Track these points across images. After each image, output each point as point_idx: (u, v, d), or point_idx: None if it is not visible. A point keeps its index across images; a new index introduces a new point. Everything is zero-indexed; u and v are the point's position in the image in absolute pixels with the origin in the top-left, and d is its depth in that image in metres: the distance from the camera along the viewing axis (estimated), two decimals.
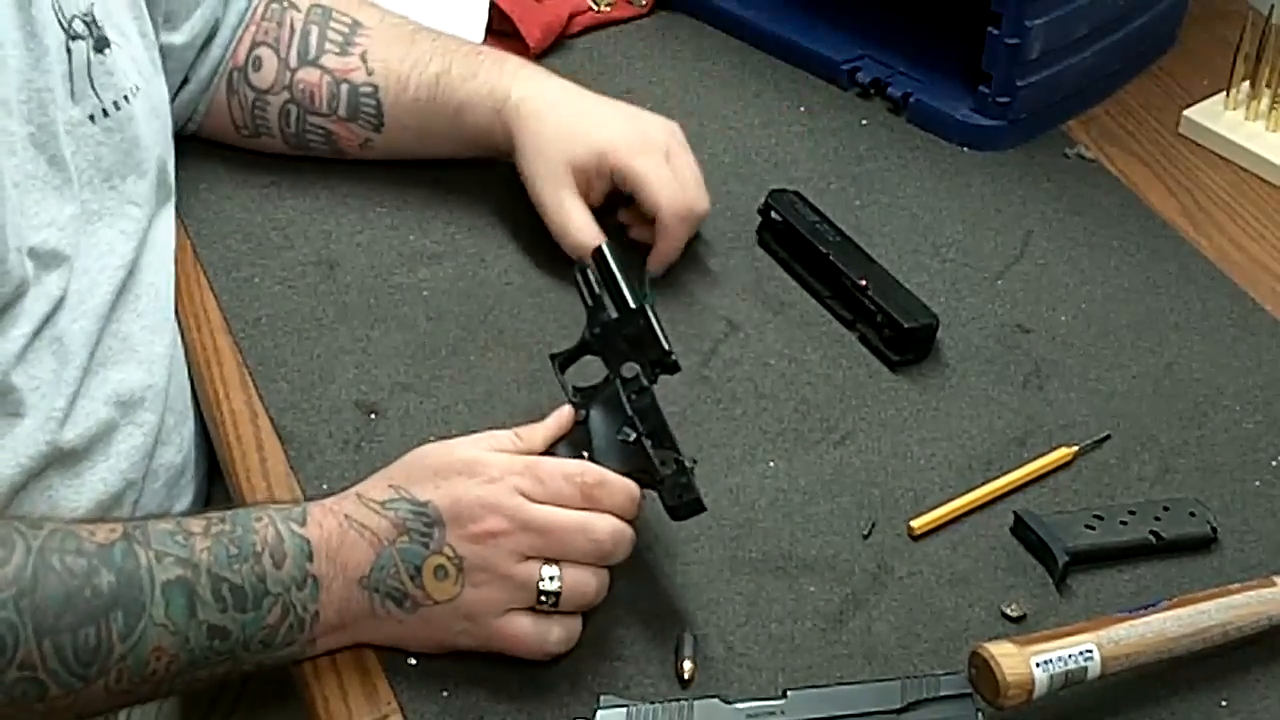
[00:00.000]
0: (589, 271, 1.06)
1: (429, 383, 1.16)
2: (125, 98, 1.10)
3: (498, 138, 1.24)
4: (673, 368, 1.01)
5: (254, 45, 1.27)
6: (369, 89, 1.26)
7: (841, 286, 1.22)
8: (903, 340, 1.19)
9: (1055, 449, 1.12)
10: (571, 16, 1.52)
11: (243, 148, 1.31)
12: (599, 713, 0.92)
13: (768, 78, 1.48)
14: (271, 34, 1.27)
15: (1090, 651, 0.91)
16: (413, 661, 0.96)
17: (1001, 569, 1.04)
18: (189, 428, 1.17)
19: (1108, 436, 1.14)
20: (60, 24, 1.04)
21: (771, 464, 1.11)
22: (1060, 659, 0.90)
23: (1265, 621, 0.98)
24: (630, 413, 0.99)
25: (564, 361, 1.06)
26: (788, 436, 1.13)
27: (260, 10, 1.28)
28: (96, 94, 1.07)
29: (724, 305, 1.23)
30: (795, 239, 1.25)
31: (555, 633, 0.94)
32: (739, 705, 0.92)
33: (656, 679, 0.96)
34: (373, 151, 1.30)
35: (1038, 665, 0.89)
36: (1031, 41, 1.37)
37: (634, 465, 0.98)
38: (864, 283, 1.21)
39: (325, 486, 1.07)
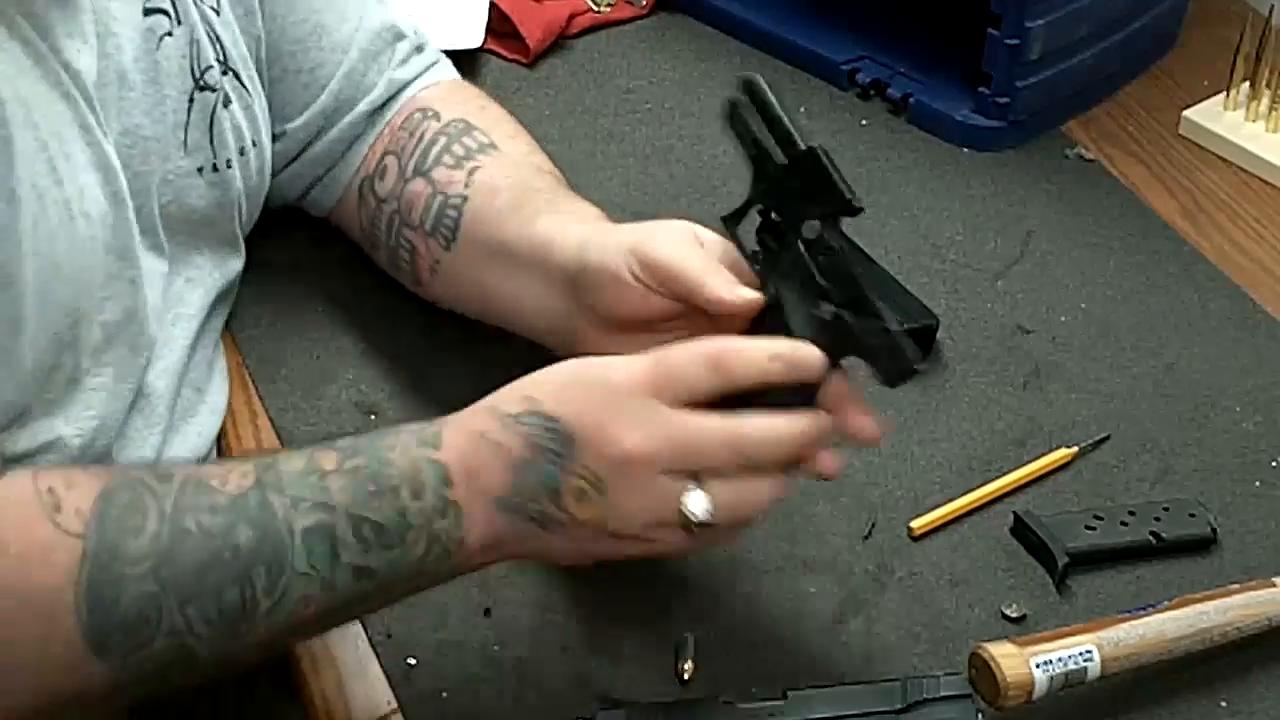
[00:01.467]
0: (741, 111, 0.94)
1: (430, 383, 1.16)
2: (241, 151, 1.08)
3: (573, 253, 1.04)
4: (857, 211, 0.89)
5: (384, 154, 1.18)
6: (457, 202, 1.12)
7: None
8: None
9: (1055, 450, 1.12)
10: (571, 17, 1.53)
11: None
12: (600, 713, 0.91)
13: (768, 78, 1.46)
14: (400, 142, 1.17)
15: (1090, 652, 0.91)
16: (412, 661, 0.96)
17: (1001, 570, 1.04)
18: None
19: (1108, 437, 1.14)
20: (192, 74, 1.03)
21: None
22: (1060, 660, 0.90)
23: (1265, 622, 0.98)
24: (821, 281, 0.89)
25: (732, 220, 0.95)
26: None
27: (401, 120, 1.19)
28: (213, 149, 1.05)
29: None
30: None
31: (710, 542, 0.92)
32: (740, 705, 0.92)
33: (656, 679, 0.96)
34: (437, 280, 1.15)
35: (1037, 666, 0.89)
36: (1031, 42, 1.38)
37: (839, 344, 0.88)
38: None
39: None
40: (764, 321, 0.91)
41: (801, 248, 0.89)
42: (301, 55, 1.14)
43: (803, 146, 0.90)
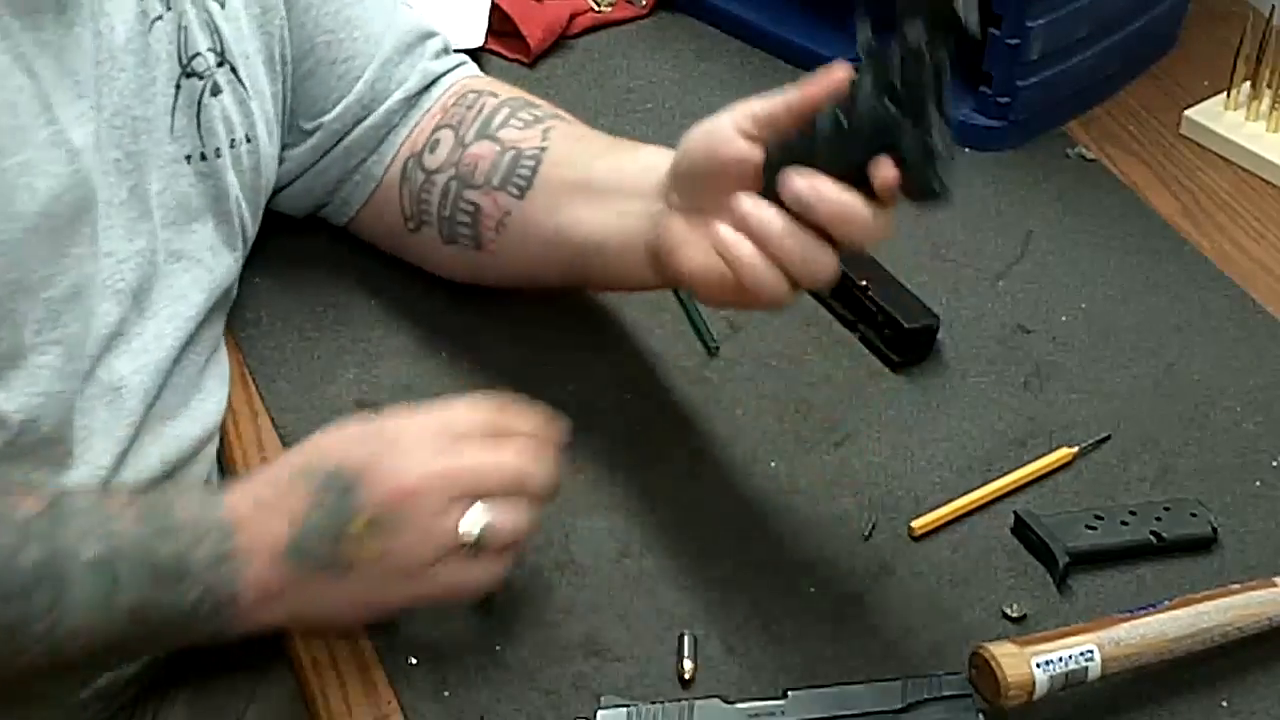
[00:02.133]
0: None
1: (431, 381, 1.16)
2: (232, 144, 1.08)
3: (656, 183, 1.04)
4: (956, 26, 0.87)
5: (435, 129, 1.17)
6: (534, 152, 1.12)
7: (842, 287, 1.22)
8: (903, 341, 1.19)
9: (1056, 449, 1.12)
10: (572, 17, 1.53)
11: (399, 255, 1.23)
12: (600, 713, 0.92)
13: (768, 78, 1.48)
14: (457, 116, 1.17)
15: (1091, 652, 0.91)
16: (413, 661, 0.97)
17: (1002, 569, 1.05)
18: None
19: (1108, 437, 1.14)
20: (178, 59, 1.03)
21: (773, 464, 1.11)
22: (1061, 660, 0.91)
23: (1266, 622, 0.99)
24: (896, 83, 0.89)
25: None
26: (789, 437, 1.14)
27: (453, 99, 1.19)
28: (200, 136, 1.05)
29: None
30: None
31: (486, 574, 0.93)
32: (740, 705, 0.92)
33: (657, 679, 0.96)
34: (505, 234, 1.13)
35: (1038, 666, 0.90)
36: (1032, 42, 1.38)
37: (884, 140, 0.89)
38: (864, 283, 1.21)
39: None
40: (843, 105, 0.91)
41: (894, 51, 0.90)
42: (335, 46, 1.15)
43: None
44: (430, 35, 1.21)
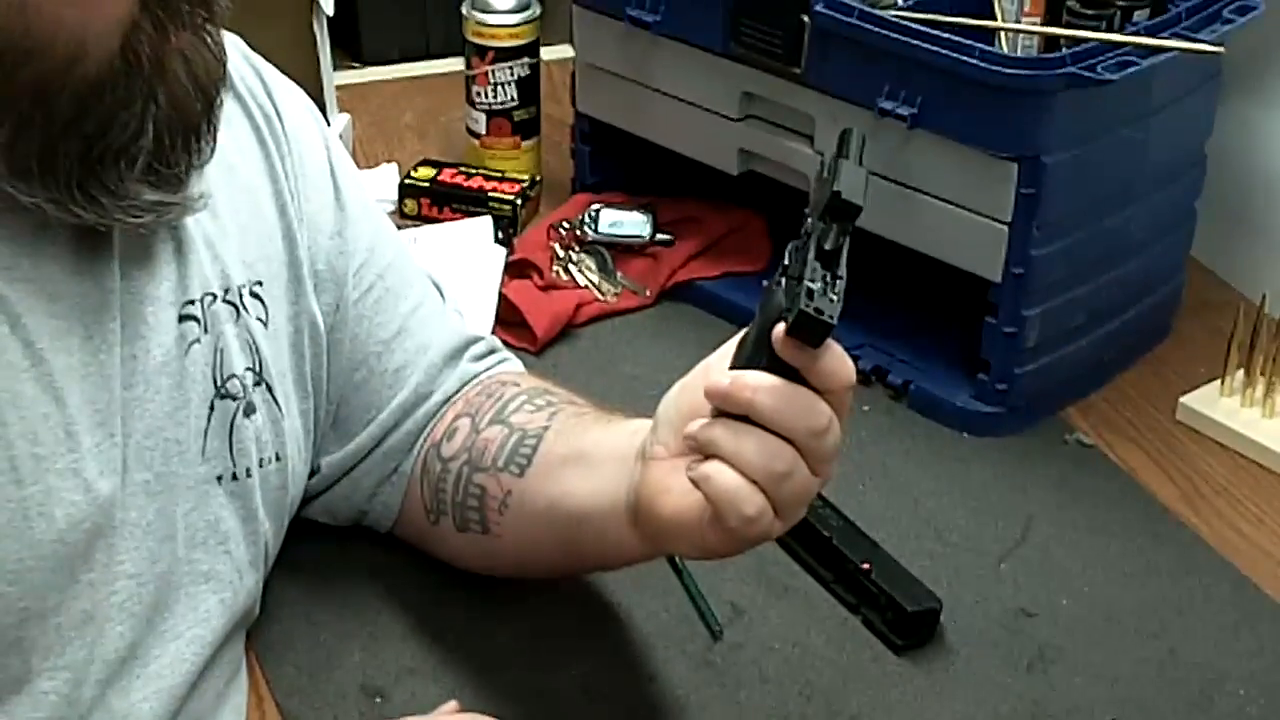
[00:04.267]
0: (843, 149, 0.94)
1: (435, 665, 1.16)
2: (261, 463, 1.07)
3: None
4: (841, 209, 0.90)
5: (455, 418, 1.18)
6: (538, 431, 1.13)
7: (845, 570, 1.24)
8: (906, 624, 1.20)
9: None
10: (578, 306, 1.56)
11: (425, 550, 1.23)
12: None
13: None
14: (476, 405, 1.18)
15: None
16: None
17: None
18: None
19: None
20: (213, 381, 1.04)
21: None
22: None
23: None
24: (785, 262, 0.93)
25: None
26: (793, 718, 1.14)
27: (476, 390, 1.20)
28: (232, 457, 1.05)
29: (727, 589, 1.24)
30: (798, 523, 1.27)
31: None
32: None
33: None
34: (507, 515, 1.13)
35: None
36: (1029, 330, 1.41)
37: (771, 305, 0.92)
38: (867, 566, 1.22)
39: None
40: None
41: (795, 244, 0.93)
42: (387, 356, 1.17)
43: (841, 195, 0.91)
44: (476, 340, 1.23)
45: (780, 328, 0.90)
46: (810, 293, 0.88)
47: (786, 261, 0.93)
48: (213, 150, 0.97)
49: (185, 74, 0.91)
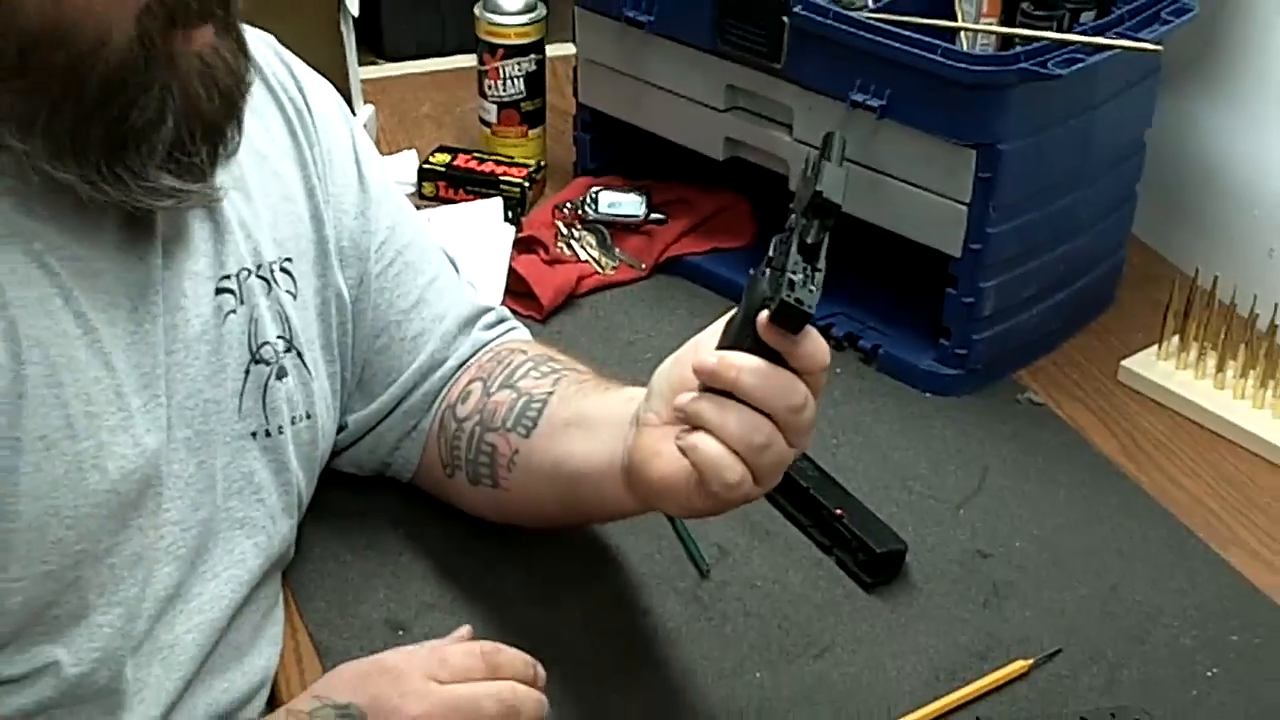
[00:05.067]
0: (826, 152, 0.94)
1: (451, 602, 1.17)
2: (293, 420, 1.08)
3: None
4: (822, 207, 0.91)
5: (469, 382, 1.19)
6: (543, 396, 1.14)
7: (820, 516, 1.24)
8: (875, 564, 1.21)
9: (1012, 662, 1.13)
10: (580, 278, 1.56)
11: (443, 500, 1.24)
12: None
13: None
14: (488, 370, 1.19)
15: None
16: None
17: None
18: None
19: (1059, 651, 1.15)
20: (248, 347, 1.05)
21: (758, 675, 1.12)
22: None
23: None
24: (769, 254, 0.93)
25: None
26: (772, 651, 1.14)
27: (489, 356, 1.21)
28: (265, 415, 1.06)
29: (714, 533, 1.24)
30: None
31: None
32: None
33: None
34: (515, 472, 1.14)
35: None
36: (985, 301, 1.41)
37: (756, 296, 0.92)
38: (840, 513, 1.23)
39: None
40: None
41: (778, 238, 0.93)
42: (406, 324, 1.17)
43: (821, 193, 0.92)
44: (486, 310, 1.24)
45: (764, 314, 0.90)
46: (791, 284, 0.89)
47: (771, 253, 0.93)
48: (237, 145, 0.97)
49: (201, 74, 0.91)
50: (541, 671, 0.99)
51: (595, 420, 1.08)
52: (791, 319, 0.90)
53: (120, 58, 0.88)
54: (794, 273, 0.90)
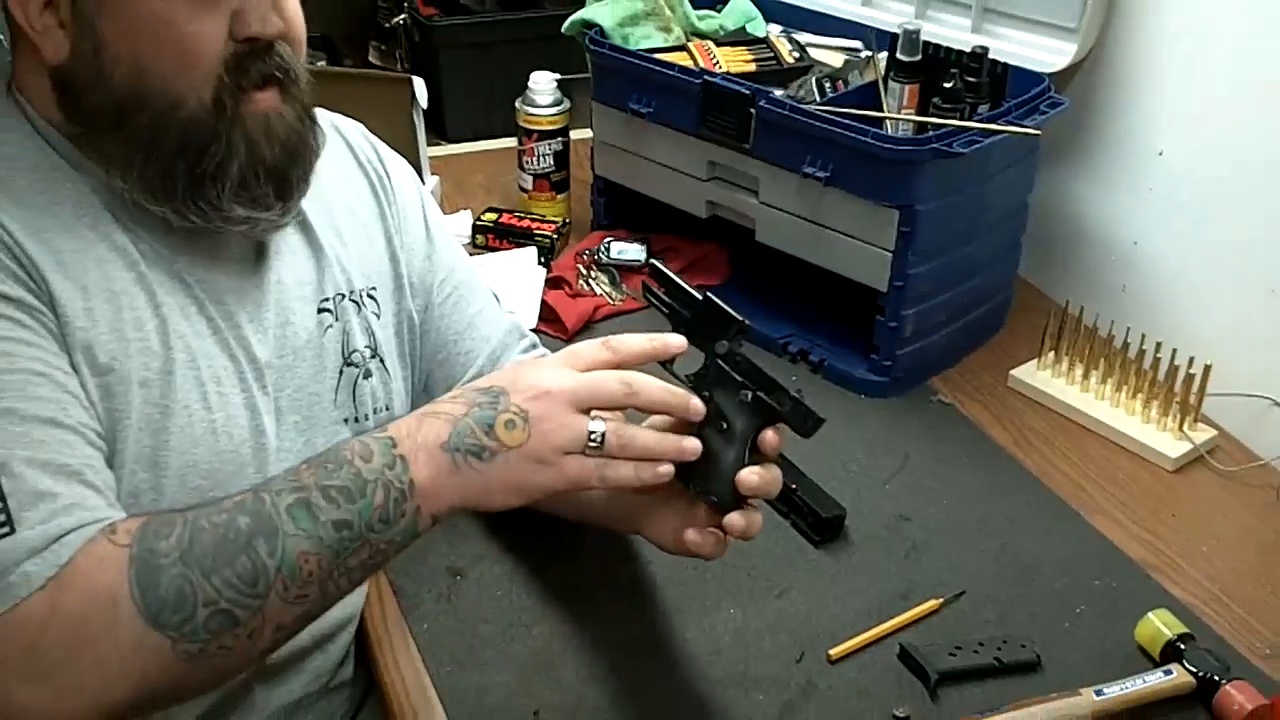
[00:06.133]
0: (653, 289, 0.94)
1: (498, 554, 1.16)
2: (375, 411, 1.06)
3: None
4: (747, 329, 0.91)
5: None
6: None
7: (780, 490, 1.24)
8: (822, 526, 1.20)
9: (927, 601, 1.13)
10: (596, 308, 1.55)
11: None
12: None
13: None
14: None
15: None
16: None
17: (892, 684, 1.05)
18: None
19: (963, 593, 1.14)
20: (342, 354, 1.04)
21: (732, 610, 1.12)
22: None
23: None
24: (738, 378, 0.89)
25: (668, 362, 0.93)
26: (744, 591, 1.14)
27: None
28: (355, 406, 1.05)
29: None
30: None
31: (610, 468, 0.87)
32: None
33: None
34: None
35: None
36: (905, 325, 1.41)
37: (762, 413, 0.89)
38: (795, 487, 1.22)
39: (426, 627, 1.08)
40: (707, 418, 0.90)
41: (719, 362, 0.91)
42: (460, 342, 1.14)
43: (699, 298, 0.91)
44: (524, 334, 1.20)
45: (770, 435, 0.89)
46: (803, 405, 0.88)
47: (712, 376, 0.91)
48: (304, 187, 0.97)
49: (263, 129, 0.92)
50: (673, 342, 0.91)
51: None
52: (813, 425, 0.89)
53: (191, 116, 0.89)
54: (790, 403, 0.88)
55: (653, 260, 0.94)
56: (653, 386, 0.88)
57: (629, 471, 0.87)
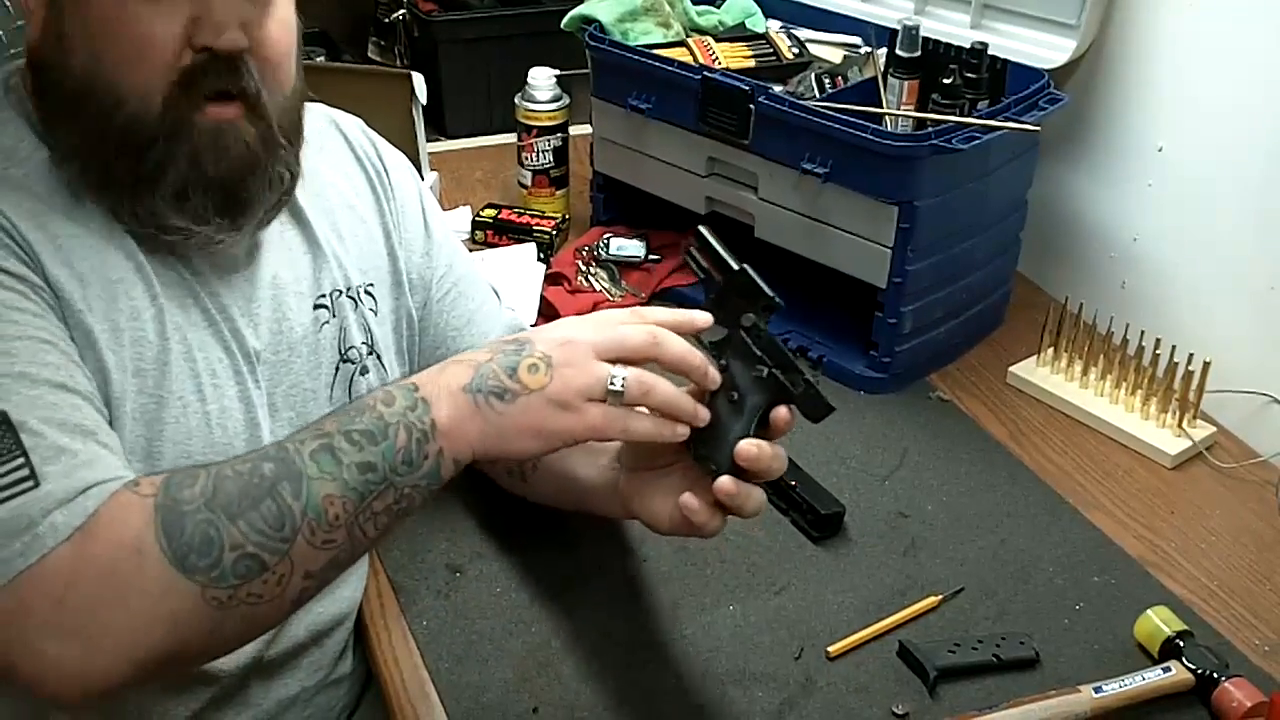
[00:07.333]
0: (694, 251, 0.93)
1: (497, 551, 1.16)
2: None
3: None
4: (778, 307, 0.90)
5: None
6: None
7: (779, 486, 1.23)
8: (821, 522, 1.20)
9: (926, 597, 1.13)
10: (595, 305, 1.55)
11: (490, 477, 1.19)
12: None
13: None
14: None
15: None
16: None
17: (891, 681, 1.04)
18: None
19: (962, 589, 1.14)
20: (338, 350, 1.04)
21: (731, 607, 1.11)
22: None
23: (1072, 717, 0.99)
24: (758, 353, 0.89)
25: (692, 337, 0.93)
26: (743, 588, 1.14)
27: None
28: (350, 403, 1.03)
29: None
30: None
31: (632, 420, 0.87)
32: None
33: None
34: (536, 476, 1.12)
35: None
36: (905, 322, 1.40)
37: (774, 391, 0.89)
38: (794, 483, 1.22)
39: (424, 623, 1.07)
40: (720, 387, 0.90)
41: (742, 334, 0.90)
42: (459, 338, 1.15)
43: (735, 267, 0.91)
44: (521, 329, 1.19)
45: (782, 412, 0.89)
46: (817, 382, 0.88)
47: (734, 345, 0.90)
48: (257, 209, 0.94)
49: (211, 141, 0.90)
50: (699, 318, 0.91)
51: (597, 446, 1.03)
52: (822, 412, 0.89)
53: (133, 116, 0.88)
54: (804, 386, 0.88)
55: (702, 226, 0.94)
56: (676, 341, 0.88)
57: (649, 425, 0.87)
